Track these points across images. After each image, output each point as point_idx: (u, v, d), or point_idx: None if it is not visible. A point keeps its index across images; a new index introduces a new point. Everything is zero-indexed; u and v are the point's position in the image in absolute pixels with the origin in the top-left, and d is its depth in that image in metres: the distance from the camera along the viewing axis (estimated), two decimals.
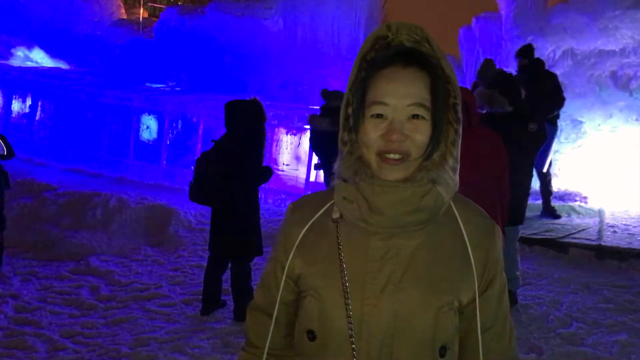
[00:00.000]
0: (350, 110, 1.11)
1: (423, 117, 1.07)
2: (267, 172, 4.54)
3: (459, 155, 1.12)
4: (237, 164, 4.28)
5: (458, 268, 1.13)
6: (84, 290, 5.04)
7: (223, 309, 4.60)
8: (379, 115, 1.07)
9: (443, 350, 1.11)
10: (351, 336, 1.08)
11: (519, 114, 4.17)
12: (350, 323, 1.08)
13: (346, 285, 1.10)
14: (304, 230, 1.18)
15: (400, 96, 1.06)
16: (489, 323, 1.17)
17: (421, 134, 1.07)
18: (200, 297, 4.73)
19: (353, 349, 1.08)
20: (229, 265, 4.55)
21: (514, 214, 3.61)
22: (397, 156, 1.07)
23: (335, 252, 1.12)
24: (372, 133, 1.08)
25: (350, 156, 1.10)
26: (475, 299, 1.14)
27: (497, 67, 6.20)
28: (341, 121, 1.12)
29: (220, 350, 3.93)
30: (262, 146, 4.46)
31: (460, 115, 1.10)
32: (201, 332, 4.22)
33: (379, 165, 1.08)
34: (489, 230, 1.18)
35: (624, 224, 7.17)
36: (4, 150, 5.76)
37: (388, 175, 1.08)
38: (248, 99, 4.45)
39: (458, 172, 1.13)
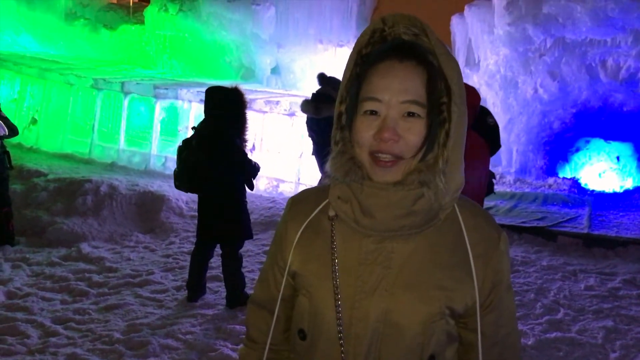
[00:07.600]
0: (343, 108, 1.05)
1: (418, 115, 1.01)
2: (255, 167, 4.39)
3: (454, 157, 1.04)
4: (220, 153, 4.24)
5: (456, 277, 1.06)
6: (76, 276, 5.04)
7: (215, 295, 4.62)
8: (372, 112, 1.01)
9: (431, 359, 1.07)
10: (340, 338, 1.05)
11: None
12: (340, 325, 1.05)
13: (337, 287, 1.06)
14: (303, 227, 1.14)
15: (394, 92, 0.99)
16: (491, 334, 1.10)
17: (414, 134, 1.00)
18: None
19: (342, 352, 1.05)
20: (216, 252, 4.55)
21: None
22: (388, 157, 1.01)
23: (328, 252, 1.08)
24: (365, 131, 1.02)
25: (342, 156, 1.05)
26: (475, 310, 1.08)
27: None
28: (335, 118, 1.07)
29: (213, 337, 3.96)
30: (244, 133, 4.41)
31: (450, 115, 1.02)
32: (193, 318, 4.24)
33: (371, 167, 1.03)
34: (494, 239, 1.10)
35: (612, 213, 7.26)
36: (5, 131, 5.61)
37: (379, 178, 1.02)
38: (229, 87, 4.39)
39: (460, 174, 1.06)
